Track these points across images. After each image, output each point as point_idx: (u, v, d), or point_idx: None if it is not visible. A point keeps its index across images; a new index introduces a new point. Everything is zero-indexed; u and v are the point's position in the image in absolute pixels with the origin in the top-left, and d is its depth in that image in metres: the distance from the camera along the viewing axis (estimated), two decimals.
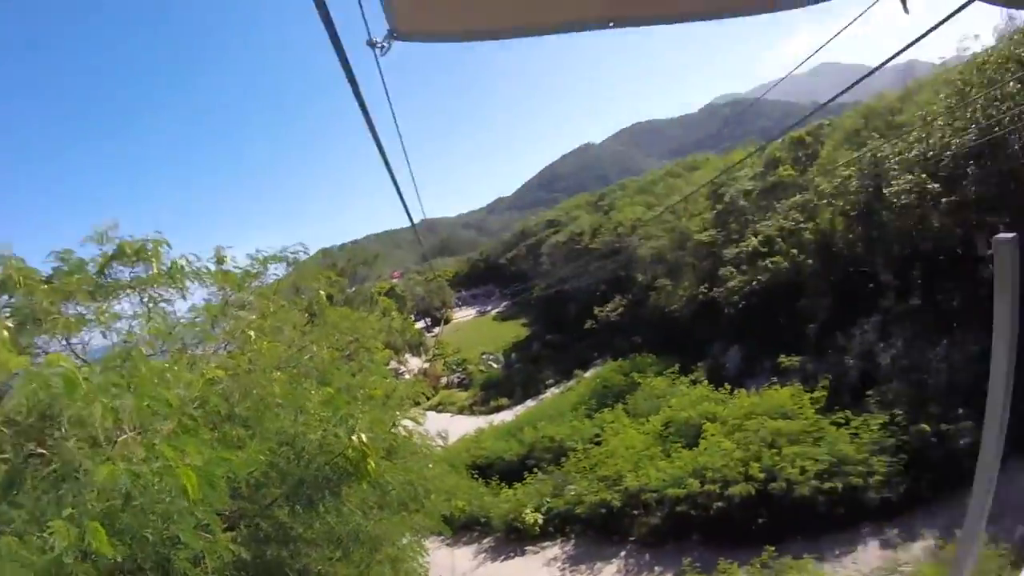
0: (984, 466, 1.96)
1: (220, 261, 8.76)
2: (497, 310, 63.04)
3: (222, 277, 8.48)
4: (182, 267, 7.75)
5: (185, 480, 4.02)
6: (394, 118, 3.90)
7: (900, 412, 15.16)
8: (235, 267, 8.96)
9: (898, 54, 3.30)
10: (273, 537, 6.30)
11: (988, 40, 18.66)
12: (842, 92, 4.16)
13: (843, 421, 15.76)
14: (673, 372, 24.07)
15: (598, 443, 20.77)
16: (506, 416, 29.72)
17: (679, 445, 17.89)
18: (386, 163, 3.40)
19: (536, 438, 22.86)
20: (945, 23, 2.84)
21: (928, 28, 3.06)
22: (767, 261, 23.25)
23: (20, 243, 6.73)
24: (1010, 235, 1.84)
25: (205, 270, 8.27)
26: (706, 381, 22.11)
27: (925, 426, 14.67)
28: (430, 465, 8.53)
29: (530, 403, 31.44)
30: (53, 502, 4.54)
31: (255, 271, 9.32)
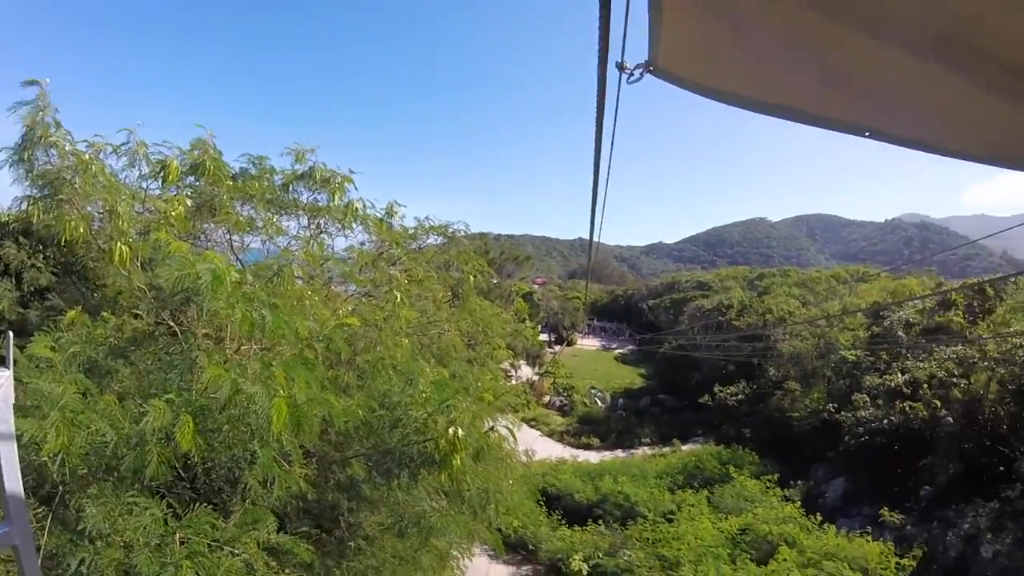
0: None
1: (390, 215, 9.44)
2: (621, 351, 62.16)
3: (386, 230, 9.10)
4: (356, 209, 8.45)
5: (275, 411, 4.25)
6: (612, 139, 3.98)
7: None
8: (400, 225, 9.65)
9: None
10: (341, 488, 6.56)
11: None
12: None
13: None
14: (770, 479, 23.07)
15: (670, 520, 20.10)
16: (591, 456, 29.42)
17: (748, 557, 17.14)
18: (595, 178, 3.52)
19: (612, 490, 22.53)
20: None
21: None
22: (906, 403, 21.84)
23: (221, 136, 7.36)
24: None
25: (375, 218, 8.96)
26: (799, 503, 21.04)
27: None
28: (510, 481, 8.50)
29: (620, 453, 31.03)
30: (160, 381, 4.97)
31: (415, 234, 9.98)
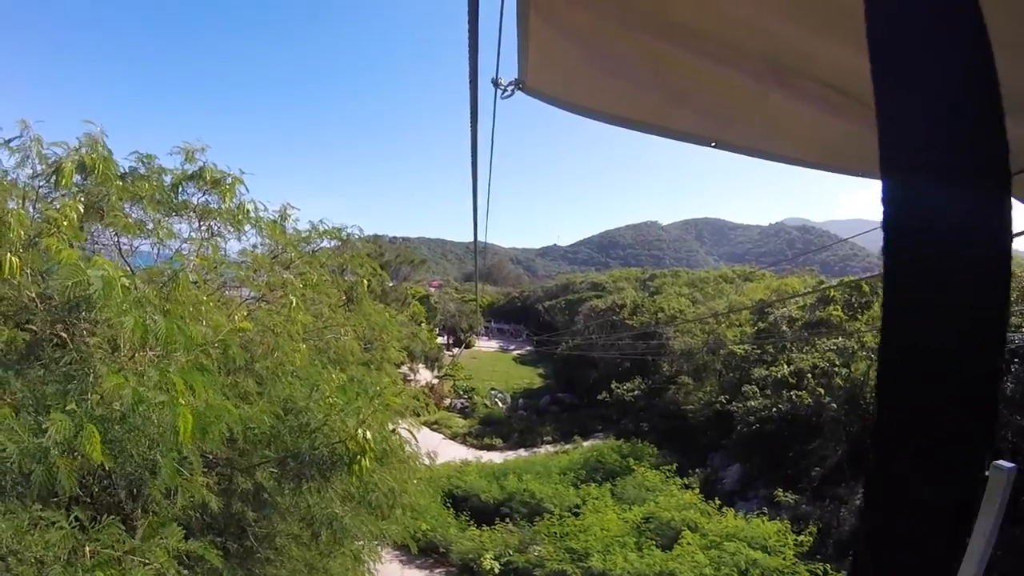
0: None
1: (284, 218, 9.30)
2: (520, 352, 62.94)
3: (280, 233, 8.92)
4: (248, 211, 8.21)
5: (181, 421, 4.18)
6: (492, 148, 4.18)
7: None
8: (293, 228, 9.52)
9: None
10: (248, 496, 6.43)
11: None
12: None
13: (821, 572, 15.53)
14: (669, 470, 23.88)
15: (576, 514, 20.55)
16: (495, 457, 29.54)
17: (653, 544, 17.67)
18: (474, 180, 3.59)
19: (518, 489, 22.70)
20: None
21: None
22: (792, 392, 23.16)
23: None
24: (1010, 464, 2.00)
25: (268, 221, 8.75)
26: (699, 489, 21.97)
27: None
28: (415, 481, 8.46)
29: (523, 452, 31.27)
30: (60, 393, 4.72)
31: (309, 237, 9.79)
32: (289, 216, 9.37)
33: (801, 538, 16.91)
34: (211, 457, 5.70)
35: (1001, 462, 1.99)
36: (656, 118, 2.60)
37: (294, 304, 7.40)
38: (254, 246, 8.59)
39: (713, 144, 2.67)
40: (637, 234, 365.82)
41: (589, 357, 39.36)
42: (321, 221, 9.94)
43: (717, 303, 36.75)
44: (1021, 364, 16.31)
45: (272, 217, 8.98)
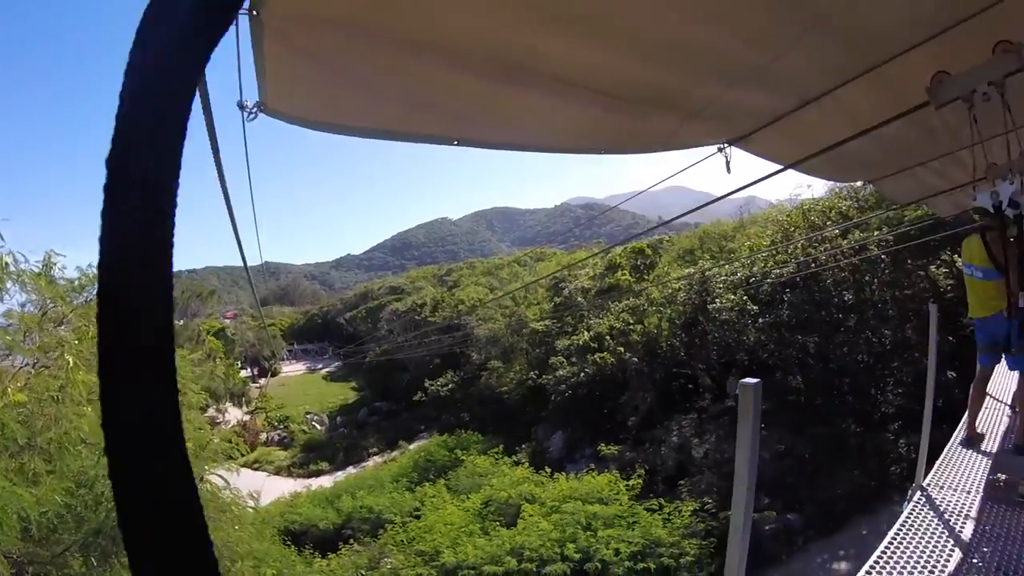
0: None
1: (49, 267, 8.01)
2: (328, 369, 61.58)
3: (47, 286, 7.75)
4: (6, 264, 7.18)
5: None
6: (247, 163, 3.89)
7: (710, 500, 16.46)
8: (62, 278, 8.29)
9: (718, 199, 4.00)
10: None
11: (819, 191, 21.76)
12: (684, 214, 4.77)
13: (656, 507, 16.67)
14: (497, 452, 24.46)
15: (418, 517, 20.53)
16: (325, 481, 28.81)
17: (498, 524, 18.09)
18: (226, 195, 3.25)
19: (354, 507, 22.35)
20: (763, 181, 3.61)
21: (738, 187, 3.84)
22: (595, 356, 24.52)
23: None
24: (755, 380, 2.23)
25: (31, 273, 7.58)
26: (528, 463, 22.71)
27: None
28: (236, 527, 8.11)
29: (352, 470, 30.75)
30: None
31: (82, 285, 8.58)
32: (55, 264, 8.02)
33: (631, 482, 18.03)
34: (18, 555, 5.23)
35: (747, 379, 2.23)
36: (400, 125, 2.71)
37: (72, 364, 6.65)
38: (22, 305, 7.67)
39: (456, 143, 2.80)
40: (430, 232, 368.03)
41: (399, 361, 39.33)
42: (89, 265, 8.82)
43: (513, 286, 37.88)
44: (792, 293, 18.74)
45: (35, 269, 7.94)
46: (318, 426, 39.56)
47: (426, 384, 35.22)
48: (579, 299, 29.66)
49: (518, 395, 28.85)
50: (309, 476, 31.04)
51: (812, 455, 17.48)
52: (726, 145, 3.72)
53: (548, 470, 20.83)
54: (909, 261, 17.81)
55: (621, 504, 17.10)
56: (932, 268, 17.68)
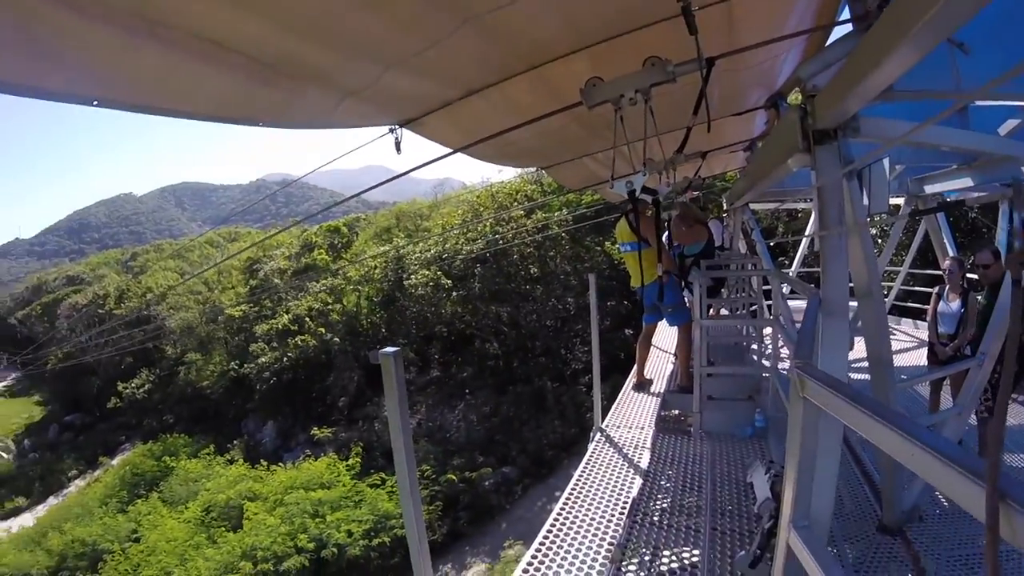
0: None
1: None
2: (4, 384, 53.22)
3: None
4: None
5: None
6: None
7: (430, 467, 17.77)
8: None
9: (392, 179, 4.55)
10: None
11: (509, 175, 24.11)
12: (374, 186, 5.05)
13: (379, 482, 17.61)
14: (208, 453, 23.76)
15: (137, 540, 19.25)
16: (26, 520, 25.84)
17: (224, 529, 17.72)
18: None
19: (66, 544, 20.21)
20: (434, 163, 4.23)
21: (412, 168, 4.45)
22: (297, 339, 24.70)
23: None
24: (394, 349, 2.28)
25: None
26: (243, 460, 22.47)
27: (452, 476, 17.66)
28: None
29: (53, 500, 27.70)
30: None
31: None
32: None
33: (350, 462, 18.80)
34: None
35: (387, 349, 2.28)
36: (29, 79, 2.26)
37: None
38: None
39: (96, 103, 2.46)
40: (112, 210, 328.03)
41: (86, 364, 35.55)
42: None
43: (206, 269, 36.11)
44: (483, 268, 20.93)
45: None
46: (3, 455, 34.59)
47: (120, 388, 32.73)
48: (276, 281, 29.26)
49: (221, 388, 27.99)
50: (6, 517, 27.49)
51: (516, 412, 19.80)
52: (397, 127, 3.88)
53: (265, 463, 20.87)
54: (588, 239, 20.73)
55: (344, 485, 17.76)
56: (607, 244, 20.60)
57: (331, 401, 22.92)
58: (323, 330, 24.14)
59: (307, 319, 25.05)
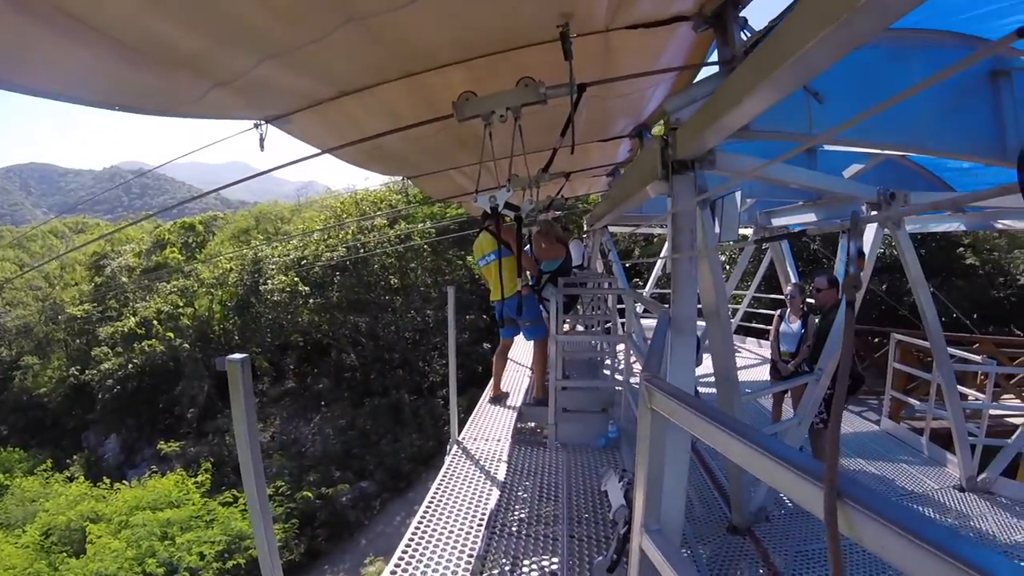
0: None
1: None
2: None
3: None
4: None
5: None
6: None
7: (284, 483, 17.24)
8: None
9: (255, 176, 4.45)
10: None
11: (375, 182, 23.93)
12: (234, 183, 4.98)
13: (232, 500, 16.92)
14: (46, 469, 21.92)
15: None
16: None
17: (65, 555, 16.47)
18: None
19: None
20: (299, 163, 4.11)
21: (275, 167, 4.33)
22: (143, 343, 23.40)
23: None
24: (241, 355, 2.19)
25: None
26: (84, 477, 20.91)
27: (308, 492, 17.19)
28: None
29: None
30: None
31: None
32: None
33: (200, 479, 18.00)
34: None
35: (233, 356, 2.20)
36: None
37: None
38: None
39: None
40: None
41: None
42: None
43: (47, 261, 33.67)
44: (343, 276, 20.77)
45: None
46: None
47: None
48: (124, 279, 27.66)
49: (60, 396, 26.13)
50: None
51: (374, 425, 19.62)
52: (263, 122, 3.78)
53: (108, 481, 19.49)
54: (450, 252, 20.73)
55: (194, 504, 16.90)
56: (468, 258, 20.57)
57: (179, 412, 21.91)
58: (172, 335, 23.01)
59: (155, 322, 23.80)
